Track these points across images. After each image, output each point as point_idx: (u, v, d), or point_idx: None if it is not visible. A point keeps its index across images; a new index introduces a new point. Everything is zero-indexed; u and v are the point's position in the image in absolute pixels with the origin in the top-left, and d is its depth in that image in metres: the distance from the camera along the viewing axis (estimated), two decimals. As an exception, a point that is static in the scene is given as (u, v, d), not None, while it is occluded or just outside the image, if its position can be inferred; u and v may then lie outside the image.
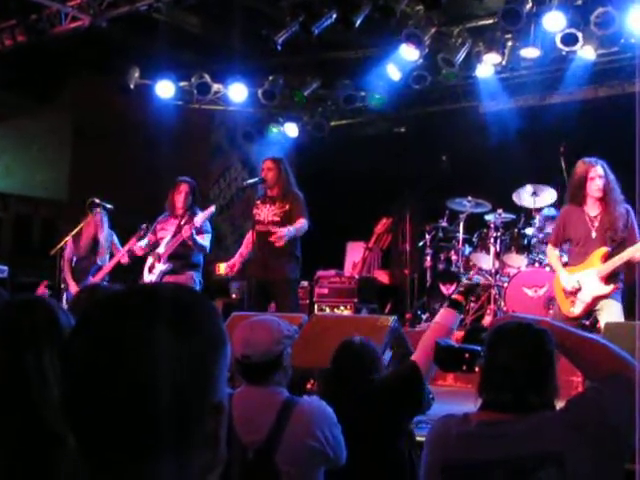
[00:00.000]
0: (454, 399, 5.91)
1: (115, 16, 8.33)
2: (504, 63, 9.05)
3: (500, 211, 8.49)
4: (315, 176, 10.18)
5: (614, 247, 5.58)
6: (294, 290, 7.13)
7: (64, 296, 7.76)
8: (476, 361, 2.45)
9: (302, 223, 6.82)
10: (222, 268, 7.93)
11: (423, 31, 8.32)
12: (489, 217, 8.67)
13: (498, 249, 8.39)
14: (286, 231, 6.65)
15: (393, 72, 9.29)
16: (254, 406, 2.86)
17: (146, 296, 1.05)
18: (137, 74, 9.58)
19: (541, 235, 7.99)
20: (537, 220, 8.10)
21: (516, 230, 8.30)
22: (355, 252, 10.69)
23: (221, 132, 12.14)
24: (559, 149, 7.99)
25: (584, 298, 5.60)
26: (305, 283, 9.24)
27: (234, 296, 9.92)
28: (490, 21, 8.62)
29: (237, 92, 10.16)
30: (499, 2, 7.99)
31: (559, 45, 8.13)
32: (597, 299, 5.57)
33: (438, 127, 10.69)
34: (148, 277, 7.30)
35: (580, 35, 7.96)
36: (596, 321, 5.89)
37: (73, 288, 7.64)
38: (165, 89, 9.92)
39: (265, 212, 6.94)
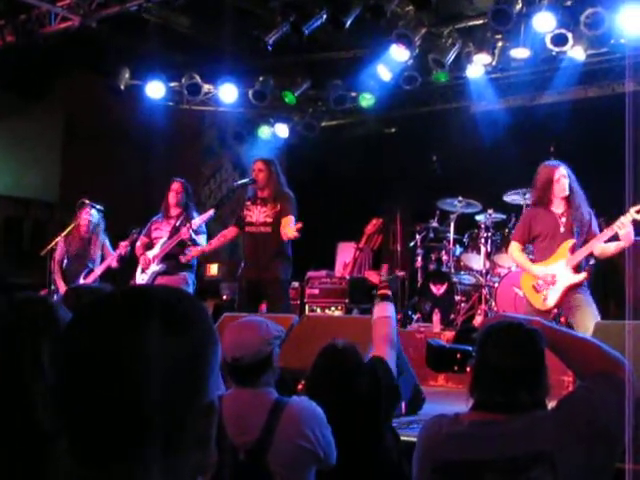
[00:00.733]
0: (445, 399, 5.93)
1: (105, 16, 8.30)
2: (494, 63, 9.07)
3: (490, 211, 8.51)
4: (305, 177, 10.19)
5: (580, 239, 5.75)
6: (285, 290, 7.13)
7: (54, 298, 7.73)
8: (467, 361, 2.46)
9: (291, 220, 6.80)
10: (213, 269, 7.94)
11: (413, 32, 8.32)
12: (480, 217, 8.69)
13: (489, 249, 8.42)
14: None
15: (383, 72, 9.30)
16: (244, 407, 2.85)
17: (137, 297, 1.05)
18: (127, 75, 9.55)
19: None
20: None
21: (506, 230, 8.32)
22: (346, 253, 10.67)
23: (212, 133, 12.13)
24: (549, 149, 8.02)
25: (558, 287, 5.73)
26: (296, 284, 9.22)
27: (225, 297, 9.91)
28: (480, 21, 8.64)
29: (227, 93, 10.14)
30: (489, 2, 8.01)
31: (549, 45, 8.14)
32: (569, 288, 5.71)
33: (428, 127, 10.70)
34: (140, 277, 7.29)
35: (570, 35, 7.98)
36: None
37: (62, 290, 7.61)
38: (155, 90, 9.90)
39: (256, 213, 6.94)
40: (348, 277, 9.40)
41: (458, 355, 2.51)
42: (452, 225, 8.86)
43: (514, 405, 2.18)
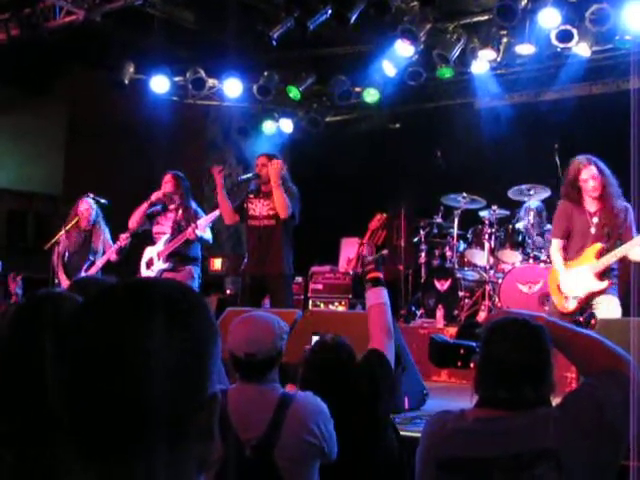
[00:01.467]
0: (449, 395, 5.94)
1: (109, 11, 8.29)
2: (499, 59, 9.04)
3: (495, 207, 8.50)
4: (309, 172, 10.19)
5: (610, 243, 5.59)
6: (289, 285, 7.15)
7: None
8: (471, 357, 2.45)
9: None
10: (217, 263, 7.96)
11: (418, 27, 8.32)
12: (483, 213, 8.68)
13: (492, 245, 8.40)
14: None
15: (388, 68, 9.29)
16: (250, 403, 2.85)
17: (139, 291, 1.06)
18: (132, 69, 9.55)
19: (535, 231, 8.01)
20: (531, 216, 8.10)
21: (510, 226, 8.31)
22: (349, 248, 10.67)
23: (216, 127, 12.12)
24: (553, 145, 8.01)
25: (578, 294, 5.63)
26: (299, 279, 9.24)
27: (229, 292, 9.93)
28: (485, 17, 8.62)
29: (232, 87, 10.13)
30: (494, -2, 7.99)
31: (554, 42, 8.13)
32: (591, 295, 5.61)
33: (433, 123, 10.69)
34: (146, 273, 7.31)
35: (575, 32, 7.96)
36: (591, 317, 5.91)
37: (65, 283, 7.60)
38: (160, 84, 9.89)
39: (259, 206, 6.95)
40: (352, 272, 9.40)
41: (461, 351, 2.50)
42: (456, 221, 8.85)
43: (519, 401, 2.17)
